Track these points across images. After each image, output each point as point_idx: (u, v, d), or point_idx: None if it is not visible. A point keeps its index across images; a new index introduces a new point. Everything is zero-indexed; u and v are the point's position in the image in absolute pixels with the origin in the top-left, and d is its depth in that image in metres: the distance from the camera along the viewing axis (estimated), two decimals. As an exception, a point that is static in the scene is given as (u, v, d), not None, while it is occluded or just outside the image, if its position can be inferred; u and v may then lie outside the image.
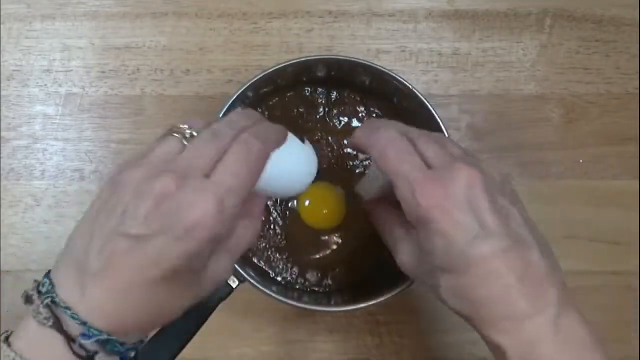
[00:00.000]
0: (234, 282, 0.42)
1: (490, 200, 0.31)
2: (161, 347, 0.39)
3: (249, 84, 0.44)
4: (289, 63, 0.45)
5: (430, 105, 0.45)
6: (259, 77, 0.44)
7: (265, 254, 0.48)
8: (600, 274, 0.51)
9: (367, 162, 0.49)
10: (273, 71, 0.45)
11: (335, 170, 0.49)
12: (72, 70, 0.54)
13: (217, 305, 0.42)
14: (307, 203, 0.47)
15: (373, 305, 0.42)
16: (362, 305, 0.43)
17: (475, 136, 0.53)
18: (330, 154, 0.49)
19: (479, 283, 0.31)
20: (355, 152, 0.49)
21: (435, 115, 0.44)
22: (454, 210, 0.31)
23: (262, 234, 0.48)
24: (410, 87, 0.45)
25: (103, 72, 0.54)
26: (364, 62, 0.46)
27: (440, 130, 0.44)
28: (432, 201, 0.31)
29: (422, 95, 0.45)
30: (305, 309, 0.43)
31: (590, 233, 0.52)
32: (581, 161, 0.53)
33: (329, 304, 0.45)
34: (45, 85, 0.54)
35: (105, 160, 0.53)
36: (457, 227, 0.31)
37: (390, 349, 0.50)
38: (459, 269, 0.31)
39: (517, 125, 0.53)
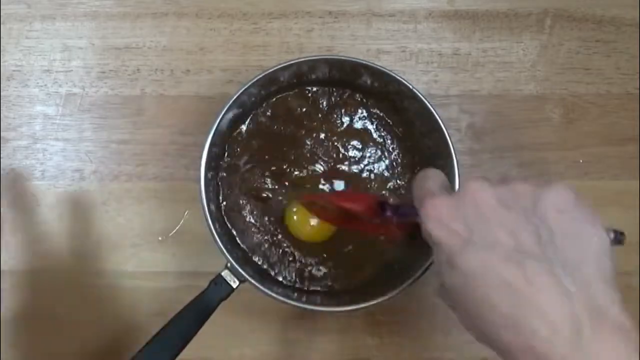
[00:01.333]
0: (234, 282, 0.42)
1: (497, 212, 0.30)
2: (161, 347, 0.39)
3: (249, 84, 0.44)
4: (289, 63, 0.45)
5: (432, 107, 0.44)
6: (259, 77, 0.44)
7: (266, 254, 0.48)
8: (600, 274, 0.51)
9: (371, 166, 0.49)
10: (273, 71, 0.45)
11: (339, 171, 0.49)
12: (72, 70, 0.54)
13: (217, 305, 0.42)
14: (294, 217, 0.46)
15: (373, 305, 0.42)
16: (362, 305, 0.43)
17: (475, 136, 0.53)
18: (334, 155, 0.49)
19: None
20: (359, 155, 0.49)
21: (436, 116, 0.44)
22: (448, 220, 0.31)
23: (265, 237, 0.48)
24: (411, 87, 0.45)
25: (103, 72, 0.54)
26: (363, 62, 0.45)
27: (441, 130, 0.44)
28: (432, 213, 0.32)
29: (423, 96, 0.45)
30: (306, 309, 0.43)
31: (590, 233, 0.52)
32: (581, 161, 0.53)
33: (329, 304, 0.45)
34: (45, 85, 0.54)
35: (105, 160, 0.53)
36: (449, 236, 0.31)
37: (390, 349, 0.50)
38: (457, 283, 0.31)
39: (517, 125, 0.53)
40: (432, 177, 0.35)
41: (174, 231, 0.52)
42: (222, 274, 0.42)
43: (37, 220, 0.52)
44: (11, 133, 0.53)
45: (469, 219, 0.30)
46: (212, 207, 0.44)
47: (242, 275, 0.42)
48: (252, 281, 0.42)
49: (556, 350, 0.27)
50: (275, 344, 0.51)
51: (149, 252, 0.51)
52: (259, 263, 0.47)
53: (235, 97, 0.44)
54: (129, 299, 0.51)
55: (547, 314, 0.28)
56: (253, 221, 0.48)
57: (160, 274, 0.51)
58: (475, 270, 0.30)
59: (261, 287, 0.42)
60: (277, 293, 0.43)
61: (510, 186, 0.31)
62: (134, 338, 0.39)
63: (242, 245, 0.48)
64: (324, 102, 0.49)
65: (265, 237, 0.48)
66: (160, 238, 0.52)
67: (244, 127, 0.49)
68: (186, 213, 0.52)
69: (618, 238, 0.33)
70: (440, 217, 0.31)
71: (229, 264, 0.42)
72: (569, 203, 0.30)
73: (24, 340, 0.51)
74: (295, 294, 0.45)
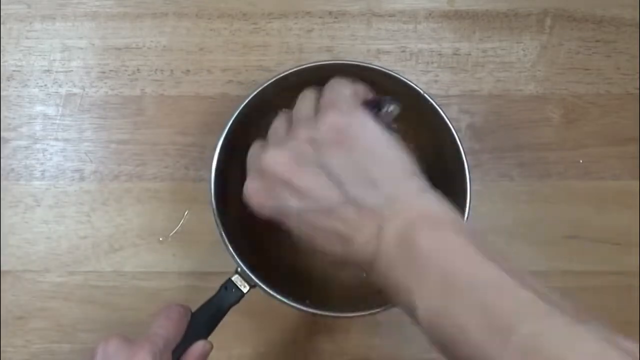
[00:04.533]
0: (244, 287, 0.42)
1: (293, 173, 0.33)
2: (173, 352, 0.39)
3: (262, 87, 0.43)
4: (305, 66, 0.44)
5: (441, 108, 0.44)
6: (270, 81, 0.43)
7: (272, 257, 0.48)
8: (600, 274, 0.51)
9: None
10: (285, 75, 0.44)
11: None
12: (72, 71, 0.54)
13: (227, 311, 0.42)
14: None
15: (378, 312, 0.42)
16: (373, 311, 0.42)
17: (475, 136, 0.53)
18: None
19: None
20: None
21: (445, 118, 0.44)
22: (264, 198, 0.35)
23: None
24: (419, 89, 0.44)
25: (103, 72, 0.54)
26: (363, 64, 0.45)
27: (450, 133, 0.44)
28: (250, 197, 0.36)
29: (431, 97, 0.44)
30: (316, 315, 0.43)
31: (590, 233, 0.52)
32: (581, 161, 0.53)
33: (335, 309, 0.45)
34: (45, 85, 0.54)
35: (105, 160, 0.53)
36: (272, 211, 0.35)
37: (390, 349, 0.50)
38: None
39: (517, 125, 0.53)
40: (251, 155, 0.38)
41: (174, 231, 0.52)
42: (233, 278, 0.42)
43: (37, 220, 0.52)
44: (11, 133, 0.53)
45: (276, 190, 0.33)
46: (221, 210, 0.43)
47: (253, 279, 0.41)
48: (263, 286, 0.41)
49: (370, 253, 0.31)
50: (276, 343, 0.51)
51: (149, 252, 0.51)
52: (265, 266, 0.47)
53: (248, 99, 0.43)
54: (129, 299, 0.51)
55: (363, 236, 0.31)
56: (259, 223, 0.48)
57: (160, 274, 0.51)
58: (300, 232, 0.33)
59: (272, 293, 0.41)
60: (286, 298, 0.42)
61: (294, 138, 0.33)
62: (134, 338, 0.39)
63: (249, 249, 0.47)
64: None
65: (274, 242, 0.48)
66: (160, 238, 0.52)
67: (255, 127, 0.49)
68: (186, 213, 0.52)
69: (390, 109, 0.35)
70: (258, 198, 0.35)
71: (239, 269, 0.42)
72: (336, 124, 0.33)
73: (23, 341, 0.51)
74: (306, 300, 0.44)
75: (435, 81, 0.54)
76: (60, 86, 0.54)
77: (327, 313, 0.43)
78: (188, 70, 0.54)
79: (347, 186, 0.31)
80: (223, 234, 0.42)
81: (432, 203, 0.31)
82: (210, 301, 0.42)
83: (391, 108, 0.34)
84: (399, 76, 0.44)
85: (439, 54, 0.54)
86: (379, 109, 0.34)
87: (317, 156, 0.32)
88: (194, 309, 0.42)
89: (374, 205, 0.31)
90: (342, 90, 0.35)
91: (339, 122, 0.32)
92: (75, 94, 0.54)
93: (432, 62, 0.54)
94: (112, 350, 0.36)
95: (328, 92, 0.35)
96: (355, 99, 0.35)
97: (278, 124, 0.36)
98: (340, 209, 0.31)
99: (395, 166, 0.32)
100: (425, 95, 0.44)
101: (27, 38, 0.55)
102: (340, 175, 0.31)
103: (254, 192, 0.35)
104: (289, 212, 0.33)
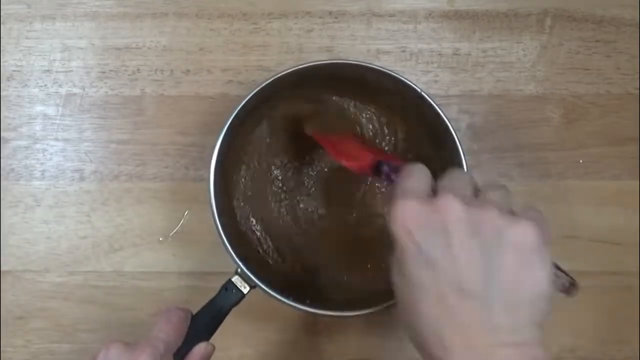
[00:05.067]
0: (244, 288, 0.42)
1: (460, 235, 0.30)
2: (175, 355, 0.39)
3: (259, 88, 0.43)
4: (305, 65, 0.44)
5: (440, 108, 0.44)
6: (266, 82, 0.43)
7: (272, 260, 0.48)
8: (600, 274, 0.51)
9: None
10: (284, 75, 0.44)
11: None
12: (72, 71, 0.54)
13: (228, 312, 0.42)
14: None
15: (378, 310, 0.42)
16: (369, 311, 0.42)
17: (475, 136, 0.53)
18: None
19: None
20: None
21: (445, 118, 0.44)
22: (411, 225, 0.31)
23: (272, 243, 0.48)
24: (422, 92, 0.44)
25: (103, 72, 0.54)
26: (365, 64, 0.45)
27: (449, 133, 0.44)
28: (398, 214, 0.32)
29: (431, 98, 0.44)
30: (316, 314, 0.43)
31: (590, 233, 0.52)
32: (581, 161, 0.53)
33: (337, 309, 0.45)
34: (45, 85, 0.54)
35: (105, 160, 0.53)
36: (407, 240, 0.31)
37: (390, 349, 0.50)
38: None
39: (517, 125, 0.53)
40: (415, 175, 0.34)
41: (174, 231, 0.52)
42: (233, 279, 0.42)
43: (36, 220, 0.52)
44: (11, 133, 0.53)
45: (431, 231, 0.31)
46: (221, 211, 0.43)
47: (253, 280, 0.41)
48: (263, 287, 0.41)
49: None
50: (275, 344, 0.51)
51: (149, 252, 0.51)
52: (265, 266, 0.47)
53: (246, 100, 0.43)
54: (129, 299, 0.51)
55: (470, 342, 0.29)
56: (258, 225, 0.48)
57: (160, 274, 0.51)
58: (415, 280, 0.31)
59: (272, 293, 0.41)
60: (286, 298, 0.42)
61: (482, 210, 0.31)
62: (135, 339, 0.39)
63: (248, 249, 0.47)
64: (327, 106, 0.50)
65: (273, 243, 0.48)
66: (160, 238, 0.52)
67: (253, 127, 0.49)
68: (186, 213, 0.52)
69: (566, 287, 0.33)
70: (405, 220, 0.31)
71: (239, 269, 0.42)
72: (527, 245, 0.31)
73: (23, 341, 0.51)
74: (306, 300, 0.44)
75: (435, 81, 0.54)
76: (60, 86, 0.54)
77: (327, 313, 0.43)
78: (188, 70, 0.54)
79: (493, 290, 0.30)
80: (223, 235, 0.42)
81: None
82: (210, 302, 0.42)
83: (567, 284, 0.33)
84: (399, 76, 0.44)
85: (439, 54, 0.54)
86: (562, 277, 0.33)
87: (491, 241, 0.30)
88: (194, 310, 0.42)
89: (500, 322, 0.29)
90: (544, 221, 0.32)
91: (534, 233, 0.31)
92: (75, 94, 0.54)
93: (432, 62, 0.54)
94: (114, 356, 0.36)
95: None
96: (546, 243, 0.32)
97: (467, 179, 0.34)
98: (473, 297, 0.30)
99: (539, 311, 0.31)
100: (425, 95, 0.44)
101: (27, 38, 0.55)
102: (497, 277, 0.30)
103: (412, 213, 0.31)
104: (424, 256, 0.30)
